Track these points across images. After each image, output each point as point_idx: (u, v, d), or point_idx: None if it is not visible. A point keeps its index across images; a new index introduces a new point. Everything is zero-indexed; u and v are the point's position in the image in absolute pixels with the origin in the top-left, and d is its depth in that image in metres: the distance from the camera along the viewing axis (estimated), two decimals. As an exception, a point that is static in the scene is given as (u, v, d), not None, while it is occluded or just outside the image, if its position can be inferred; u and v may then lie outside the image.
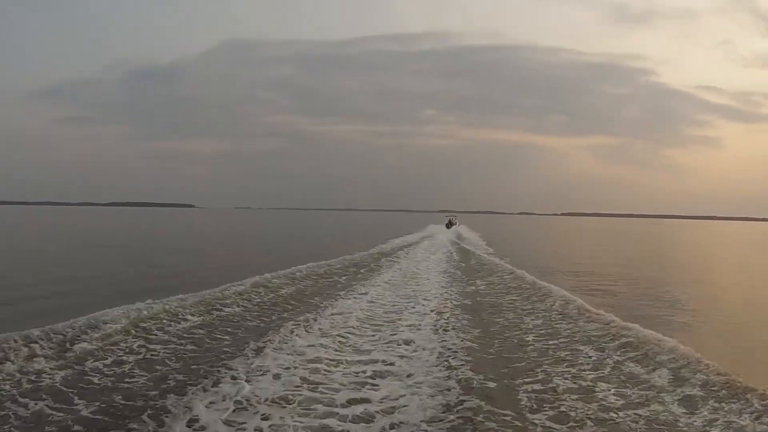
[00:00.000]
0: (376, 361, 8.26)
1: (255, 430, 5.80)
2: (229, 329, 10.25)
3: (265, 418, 6.04)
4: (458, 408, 6.29)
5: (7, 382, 6.84)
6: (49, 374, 7.19)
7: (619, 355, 8.63)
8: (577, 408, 6.47)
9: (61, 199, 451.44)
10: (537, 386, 7.25)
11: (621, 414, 6.33)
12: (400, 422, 5.98)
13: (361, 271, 19.91)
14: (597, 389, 7.12)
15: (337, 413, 6.23)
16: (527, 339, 10.02)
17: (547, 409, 6.49)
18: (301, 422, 5.97)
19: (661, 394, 6.84)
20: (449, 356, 8.42)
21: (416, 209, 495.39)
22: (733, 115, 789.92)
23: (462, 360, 8.13)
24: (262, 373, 7.40)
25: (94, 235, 50.77)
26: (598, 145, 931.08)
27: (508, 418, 6.03)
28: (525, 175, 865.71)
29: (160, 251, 34.05)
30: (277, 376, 7.34)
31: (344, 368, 7.87)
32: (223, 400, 6.41)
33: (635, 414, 6.28)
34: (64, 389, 6.75)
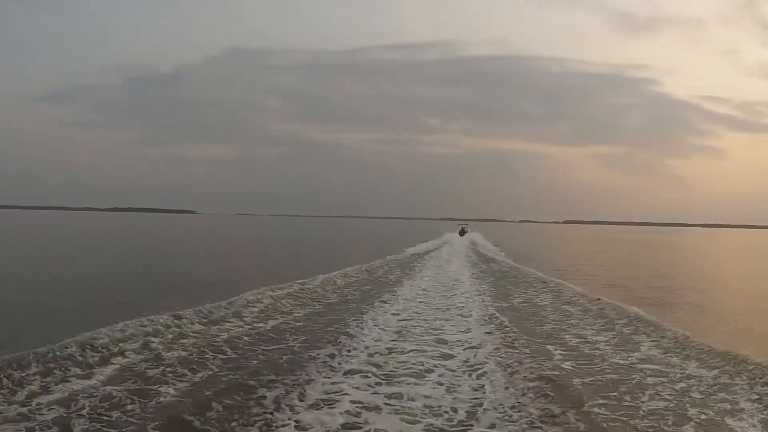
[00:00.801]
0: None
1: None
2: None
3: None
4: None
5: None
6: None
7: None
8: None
9: (60, 204, 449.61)
10: None
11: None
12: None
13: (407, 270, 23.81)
14: None
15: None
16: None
17: None
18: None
19: None
20: None
21: (418, 216, 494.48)
22: (737, 125, 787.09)
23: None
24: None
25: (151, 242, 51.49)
26: (601, 154, 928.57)
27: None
28: (527, 183, 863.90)
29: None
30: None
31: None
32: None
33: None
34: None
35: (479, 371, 8.19)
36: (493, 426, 6.18)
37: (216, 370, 8.21)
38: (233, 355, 9.04)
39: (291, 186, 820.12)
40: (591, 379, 8.12)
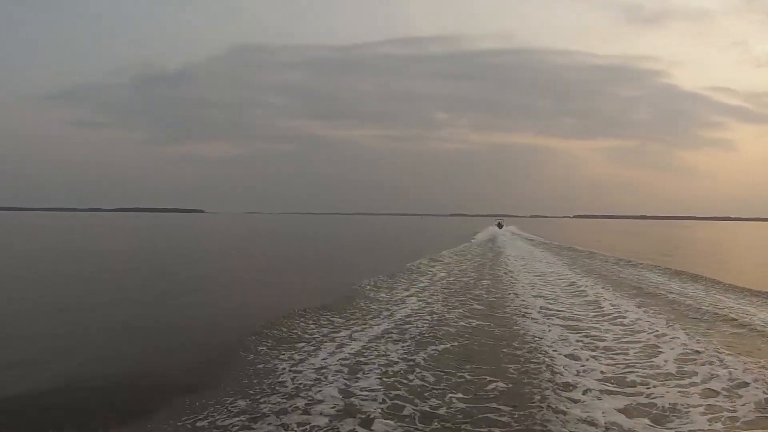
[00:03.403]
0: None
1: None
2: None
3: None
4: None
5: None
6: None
7: None
8: None
9: (66, 205, 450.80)
10: None
11: None
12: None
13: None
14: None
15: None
16: None
17: None
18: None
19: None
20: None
21: (429, 213, 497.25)
22: (747, 116, 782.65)
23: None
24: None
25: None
26: (611, 148, 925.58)
27: None
28: (536, 178, 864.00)
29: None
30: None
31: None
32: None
33: None
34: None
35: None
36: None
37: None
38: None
39: (298, 184, 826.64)
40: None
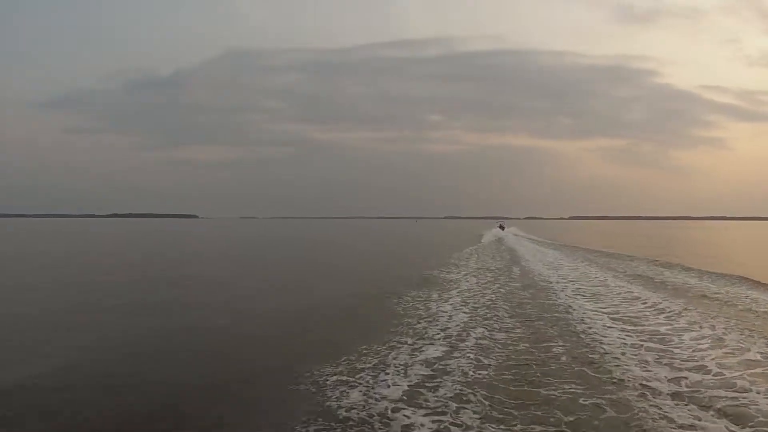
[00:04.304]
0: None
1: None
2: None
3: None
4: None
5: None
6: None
7: None
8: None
9: (60, 212, 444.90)
10: None
11: None
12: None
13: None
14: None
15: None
16: None
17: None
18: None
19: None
20: None
21: (423, 215, 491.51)
22: (740, 114, 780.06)
23: None
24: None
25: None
26: (605, 148, 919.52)
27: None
28: (531, 179, 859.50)
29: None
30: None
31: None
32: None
33: None
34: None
35: None
36: None
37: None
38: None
39: (293, 188, 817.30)
40: None
